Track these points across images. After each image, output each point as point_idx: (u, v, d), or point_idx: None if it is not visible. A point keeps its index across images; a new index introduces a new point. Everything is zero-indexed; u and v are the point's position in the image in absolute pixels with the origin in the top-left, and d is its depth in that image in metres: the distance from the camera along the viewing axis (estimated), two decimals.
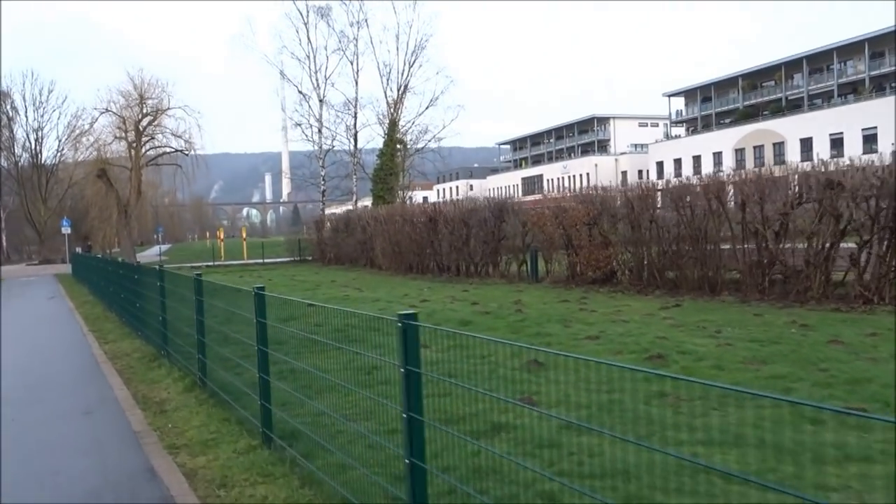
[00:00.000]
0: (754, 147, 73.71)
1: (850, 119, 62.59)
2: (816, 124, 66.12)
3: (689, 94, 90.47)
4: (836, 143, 62.92)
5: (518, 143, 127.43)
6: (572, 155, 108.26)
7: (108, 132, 51.75)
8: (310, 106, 51.35)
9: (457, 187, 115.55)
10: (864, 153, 51.67)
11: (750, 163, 68.75)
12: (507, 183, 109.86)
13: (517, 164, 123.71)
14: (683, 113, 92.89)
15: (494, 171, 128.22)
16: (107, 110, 50.78)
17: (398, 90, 51.38)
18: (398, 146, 50.28)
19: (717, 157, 76.84)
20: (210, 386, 8.19)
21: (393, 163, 49.53)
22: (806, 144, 66.38)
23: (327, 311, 5.77)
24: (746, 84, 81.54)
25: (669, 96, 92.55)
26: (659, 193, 17.27)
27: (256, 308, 5.94)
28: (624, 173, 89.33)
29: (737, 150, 75.61)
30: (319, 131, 50.47)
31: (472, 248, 23.21)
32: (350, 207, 51.08)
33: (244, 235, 54.99)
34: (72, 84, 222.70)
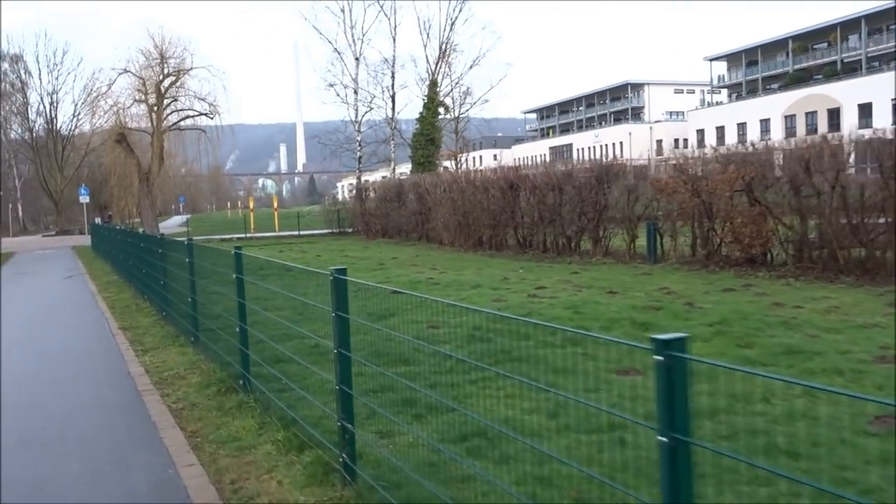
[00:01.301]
0: (806, 113, 69.69)
1: None
2: (876, 89, 61.59)
3: (732, 58, 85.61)
4: None
5: (545, 112, 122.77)
6: (604, 123, 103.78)
7: (128, 94, 47.76)
8: (345, 64, 47.49)
9: (480, 157, 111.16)
10: None
11: (801, 130, 64.57)
12: (533, 153, 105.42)
13: (544, 134, 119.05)
14: (726, 78, 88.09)
15: (519, 140, 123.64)
16: (125, 70, 46.74)
17: (440, 47, 47.24)
18: (440, 109, 46.17)
19: (765, 123, 73.05)
20: (366, 480, 4.22)
21: (434, 127, 45.43)
22: (865, 111, 62.09)
23: None
24: (797, 46, 76.70)
25: (711, 60, 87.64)
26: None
27: None
28: (659, 142, 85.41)
29: (786, 117, 71.59)
30: (355, 92, 46.47)
31: (568, 220, 19.31)
32: (365, 178, 47.27)
33: (275, 205, 51.09)
34: (86, 46, 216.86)
